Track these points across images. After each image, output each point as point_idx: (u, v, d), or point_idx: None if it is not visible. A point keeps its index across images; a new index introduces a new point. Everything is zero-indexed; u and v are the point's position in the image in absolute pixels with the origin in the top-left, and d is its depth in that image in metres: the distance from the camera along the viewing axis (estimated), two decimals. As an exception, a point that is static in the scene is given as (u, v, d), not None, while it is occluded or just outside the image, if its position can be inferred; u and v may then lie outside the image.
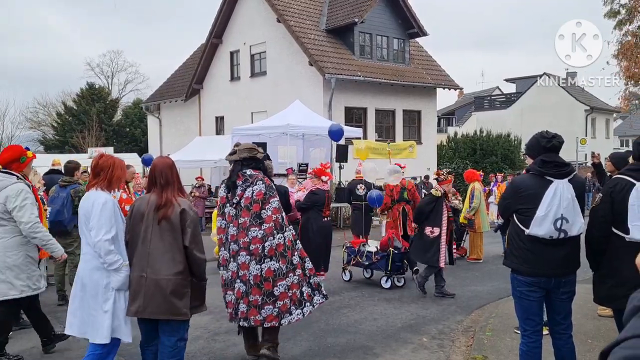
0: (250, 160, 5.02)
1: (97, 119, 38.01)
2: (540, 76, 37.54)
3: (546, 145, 3.90)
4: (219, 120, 24.75)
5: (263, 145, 15.36)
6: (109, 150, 25.69)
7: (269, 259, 4.82)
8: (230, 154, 5.10)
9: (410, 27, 21.78)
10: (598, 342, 5.53)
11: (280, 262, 4.85)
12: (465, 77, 73.60)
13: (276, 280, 4.82)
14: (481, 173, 14.40)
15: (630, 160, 4.09)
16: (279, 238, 4.87)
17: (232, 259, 4.92)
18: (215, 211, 7.12)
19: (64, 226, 7.28)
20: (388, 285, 8.57)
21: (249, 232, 4.83)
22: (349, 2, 21.42)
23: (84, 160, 21.69)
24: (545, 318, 4.11)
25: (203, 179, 17.35)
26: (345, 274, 9.15)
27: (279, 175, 12.93)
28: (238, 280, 4.86)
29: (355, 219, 12.02)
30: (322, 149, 18.75)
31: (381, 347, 5.69)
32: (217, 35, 24.00)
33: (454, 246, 11.16)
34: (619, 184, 3.77)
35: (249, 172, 4.96)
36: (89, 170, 4.27)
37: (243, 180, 4.93)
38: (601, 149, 23.83)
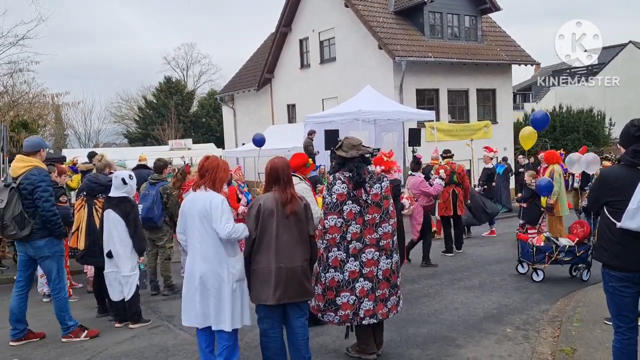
0: (365, 156, 5.03)
1: (175, 111, 39.51)
2: (626, 45, 35.21)
3: (636, 134, 3.71)
4: (291, 108, 25.07)
5: (335, 132, 15.50)
6: (188, 142, 26.70)
7: (396, 253, 5.08)
8: (344, 149, 4.92)
9: (482, 2, 21.02)
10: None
11: (398, 254, 5.16)
12: (541, 51, 69.90)
13: (398, 271, 5.12)
14: (562, 152, 13.82)
15: None
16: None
17: (352, 258, 4.81)
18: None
19: (154, 222, 7.73)
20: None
21: (379, 229, 4.91)
22: (418, -19, 20.94)
23: (165, 152, 22.67)
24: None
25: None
26: (537, 274, 8.18)
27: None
28: (361, 279, 4.82)
29: None
30: (394, 134, 18.61)
31: (463, 338, 5.66)
32: (286, 23, 24.22)
33: (531, 230, 10.87)
34: None
35: (370, 167, 5.07)
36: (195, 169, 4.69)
37: (369, 177, 4.94)
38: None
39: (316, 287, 4.85)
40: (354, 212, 4.80)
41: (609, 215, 3.81)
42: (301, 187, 5.44)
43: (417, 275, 8.62)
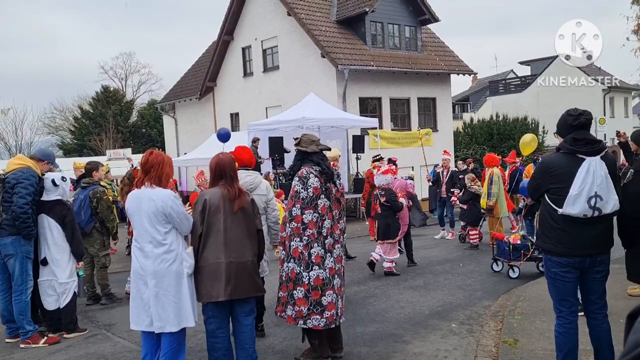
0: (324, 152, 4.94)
1: (113, 121, 38.44)
2: (556, 57, 37.02)
3: (573, 123, 3.84)
4: (234, 117, 24.83)
5: (280, 139, 15.44)
6: (127, 152, 25.95)
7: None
8: (303, 145, 4.83)
9: (421, 13, 21.60)
10: (630, 321, 5.47)
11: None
12: (478, 62, 72.83)
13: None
14: (500, 158, 14.30)
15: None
16: None
17: (329, 254, 4.67)
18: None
19: (82, 228, 7.32)
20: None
21: (340, 224, 4.86)
22: (359, -9, 21.29)
23: (103, 162, 21.88)
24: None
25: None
26: (513, 270, 8.32)
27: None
28: (336, 276, 4.70)
29: None
30: (338, 141, 18.73)
31: (410, 335, 5.68)
32: (228, 32, 24.03)
33: (472, 231, 11.18)
34: None
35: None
36: (139, 167, 4.44)
37: (336, 174, 4.91)
38: (621, 128, 23.43)
39: (295, 292, 4.58)
40: (326, 206, 4.69)
41: (550, 203, 3.90)
42: (250, 180, 5.35)
43: (363, 277, 8.63)
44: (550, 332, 4.77)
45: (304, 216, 4.60)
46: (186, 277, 4.19)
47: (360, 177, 16.23)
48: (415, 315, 6.42)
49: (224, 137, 15.28)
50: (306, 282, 4.56)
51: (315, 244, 4.61)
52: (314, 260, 4.58)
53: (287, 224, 4.68)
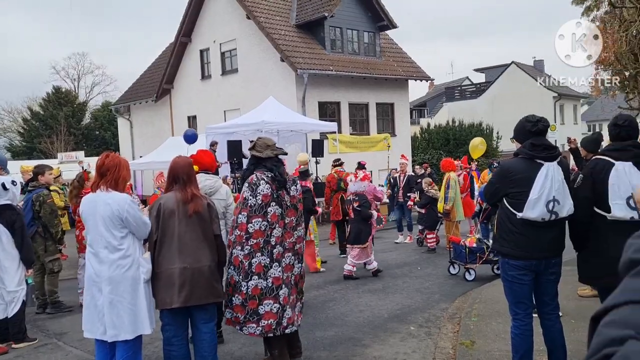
0: (279, 157, 4.83)
1: (65, 123, 37.30)
2: (509, 65, 38.14)
3: (532, 129, 3.93)
4: (192, 120, 24.47)
5: (238, 142, 15.29)
6: (80, 155, 25.23)
7: (302, 258, 4.93)
8: (258, 149, 4.72)
9: (379, 19, 21.82)
10: (580, 322, 5.64)
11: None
12: (435, 69, 74.16)
13: (304, 277, 5.01)
14: (458, 162, 14.58)
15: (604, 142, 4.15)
16: None
17: (276, 263, 4.58)
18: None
19: None
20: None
21: (295, 232, 4.75)
22: (318, -4, 21.37)
23: (54, 166, 21.19)
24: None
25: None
26: (470, 273, 8.49)
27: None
28: (283, 286, 4.61)
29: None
30: (297, 145, 18.70)
31: (370, 338, 5.71)
32: (185, 33, 23.68)
33: (430, 235, 11.36)
34: (599, 164, 3.82)
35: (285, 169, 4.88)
36: (89, 170, 4.26)
37: (291, 180, 4.82)
38: (571, 135, 24.25)
39: (234, 298, 4.53)
40: (277, 214, 4.59)
41: (509, 207, 3.97)
42: (210, 184, 5.26)
43: (322, 281, 8.63)
44: (506, 333, 4.88)
45: (249, 225, 4.51)
46: (143, 283, 4.07)
47: (320, 181, 16.23)
48: (374, 319, 6.45)
49: (190, 138, 14.44)
50: (244, 291, 4.50)
51: (259, 254, 4.51)
52: (254, 270, 4.50)
53: (232, 231, 4.61)
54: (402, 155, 14.61)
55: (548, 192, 3.77)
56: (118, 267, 3.99)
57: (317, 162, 16.74)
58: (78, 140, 38.46)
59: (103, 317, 3.99)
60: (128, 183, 8.39)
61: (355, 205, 8.81)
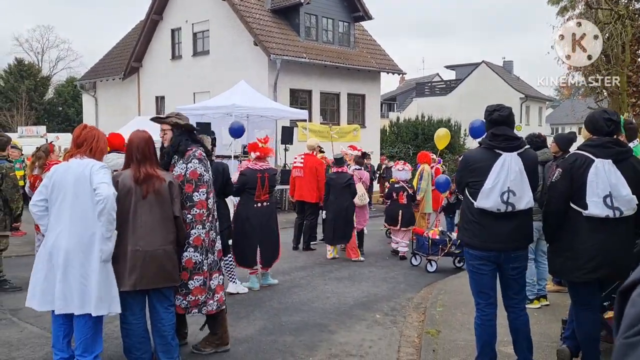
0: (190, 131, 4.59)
1: (26, 97, 36.13)
2: (479, 64, 38.64)
3: (487, 118, 3.97)
4: (160, 100, 23.97)
5: (207, 125, 15.03)
6: (41, 129, 24.46)
7: None
8: (184, 120, 4.53)
9: (355, 10, 21.75)
10: (544, 315, 5.75)
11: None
12: (406, 63, 74.69)
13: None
14: (433, 156, 14.71)
15: (582, 137, 4.13)
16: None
17: (218, 237, 4.69)
18: None
19: None
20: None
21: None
22: (295, -18, 21.13)
23: (14, 139, 20.50)
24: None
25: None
26: (431, 265, 8.58)
27: (223, 157, 12.76)
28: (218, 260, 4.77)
29: None
30: (266, 131, 18.50)
31: (336, 324, 5.68)
32: (157, 11, 23.10)
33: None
34: (579, 159, 3.79)
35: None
36: (55, 143, 4.05)
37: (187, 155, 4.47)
38: (535, 135, 24.71)
39: (191, 282, 4.35)
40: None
41: (468, 196, 3.98)
42: (121, 162, 4.95)
43: (288, 267, 8.56)
44: (470, 323, 4.89)
45: (208, 201, 4.42)
46: (100, 261, 3.82)
47: (287, 168, 16.12)
48: (340, 306, 6.43)
49: (237, 132, 11.88)
50: (206, 270, 4.38)
51: (200, 226, 4.37)
52: (193, 242, 4.35)
53: (186, 211, 4.33)
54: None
55: (503, 183, 3.77)
56: (80, 237, 3.81)
57: (285, 149, 16.63)
58: (40, 115, 37.33)
59: (59, 289, 3.80)
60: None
61: (410, 191, 9.51)
